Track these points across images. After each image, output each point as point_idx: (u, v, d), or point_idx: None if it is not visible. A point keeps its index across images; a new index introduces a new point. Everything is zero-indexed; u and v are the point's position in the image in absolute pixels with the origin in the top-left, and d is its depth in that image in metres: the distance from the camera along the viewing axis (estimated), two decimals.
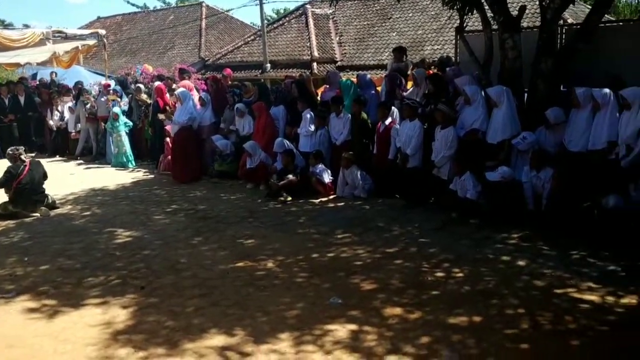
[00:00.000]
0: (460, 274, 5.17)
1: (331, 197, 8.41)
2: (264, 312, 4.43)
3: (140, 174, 11.21)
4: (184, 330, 4.18)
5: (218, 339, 4.01)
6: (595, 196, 6.11)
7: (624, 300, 4.52)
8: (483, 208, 6.83)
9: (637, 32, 7.85)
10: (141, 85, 12.99)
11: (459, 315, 4.28)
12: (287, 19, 23.83)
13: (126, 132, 12.04)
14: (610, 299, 4.54)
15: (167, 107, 11.31)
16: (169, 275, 5.36)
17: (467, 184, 6.90)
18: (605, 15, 8.84)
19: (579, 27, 7.65)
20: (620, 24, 10.80)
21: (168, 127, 10.71)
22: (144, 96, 12.31)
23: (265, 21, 23.26)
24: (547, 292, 4.70)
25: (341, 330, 4.07)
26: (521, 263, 5.40)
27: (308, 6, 22.87)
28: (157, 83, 12.34)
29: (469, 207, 6.87)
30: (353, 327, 4.12)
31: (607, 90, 6.47)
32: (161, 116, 11.22)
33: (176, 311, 4.52)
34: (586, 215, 6.09)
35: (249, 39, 23.51)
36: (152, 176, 10.97)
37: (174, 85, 11.58)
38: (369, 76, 10.11)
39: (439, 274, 5.19)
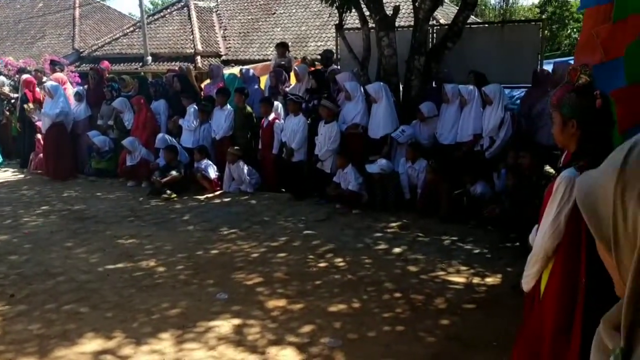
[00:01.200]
0: (343, 263, 5.37)
1: (217, 193, 8.33)
2: (146, 312, 4.31)
3: (7, 174, 10.35)
4: (59, 337, 3.95)
5: (95, 344, 3.83)
6: (464, 185, 6.60)
7: (489, 280, 4.94)
8: (365, 199, 7.16)
9: (498, 33, 8.55)
10: (3, 78, 11.96)
11: (341, 302, 4.45)
12: (168, 10, 23.04)
13: None
14: (476, 279, 4.95)
15: (37, 102, 10.52)
16: (42, 280, 5.02)
17: (350, 176, 7.16)
18: (473, 17, 9.56)
19: (447, 27, 8.17)
20: (486, 25, 11.65)
21: (39, 123, 9.98)
22: (5, 89, 11.36)
23: (146, 12, 22.33)
24: (421, 276, 5.02)
25: (225, 326, 4.06)
26: (398, 250, 5.71)
27: None
28: (25, 75, 11.42)
29: (351, 199, 7.14)
30: (237, 321, 4.13)
31: (471, 87, 7.01)
32: (30, 106, 10.37)
33: (50, 318, 4.25)
34: (457, 203, 6.57)
35: (127, 31, 22.42)
36: (22, 176, 10.18)
37: (44, 78, 10.78)
38: (252, 71, 10.08)
39: (323, 264, 5.35)
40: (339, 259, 5.47)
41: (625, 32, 2.57)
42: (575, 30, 24.02)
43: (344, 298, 4.52)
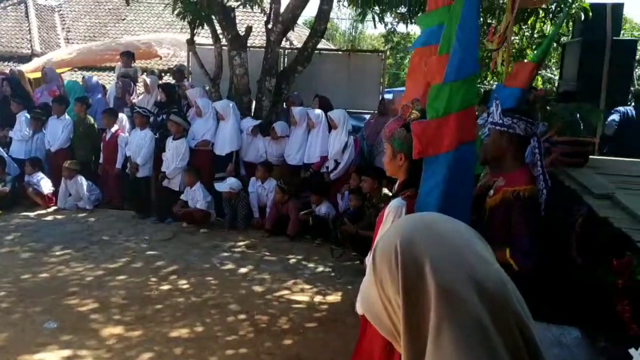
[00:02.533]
0: (187, 285, 5.23)
1: (51, 209, 7.67)
2: None
3: None
4: None
5: None
6: (310, 205, 6.81)
7: (330, 298, 5.13)
8: (213, 218, 7.08)
9: (345, 61, 9.01)
10: None
11: (183, 327, 4.32)
12: (2, 5, 20.92)
13: None
14: (318, 298, 5.11)
15: None
16: None
17: (198, 194, 7.03)
18: (325, 42, 9.94)
19: (298, 51, 8.42)
20: (334, 52, 12.21)
21: None
22: None
23: None
24: (266, 296, 5.06)
25: (52, 358, 3.74)
26: (245, 270, 5.71)
27: None
28: None
29: (199, 217, 7.00)
30: (67, 352, 3.82)
31: (319, 111, 7.30)
32: None
33: None
34: (304, 222, 6.75)
35: None
36: None
37: None
38: (95, 78, 9.52)
39: (165, 287, 5.16)
40: (184, 281, 5.32)
41: (440, 68, 2.85)
42: None
43: (186, 322, 4.40)
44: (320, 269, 5.89)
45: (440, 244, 0.85)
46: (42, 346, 3.88)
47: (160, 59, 12.01)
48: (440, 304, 0.80)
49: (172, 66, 10.62)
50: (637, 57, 8.45)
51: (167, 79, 11.03)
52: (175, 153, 7.30)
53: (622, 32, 8.18)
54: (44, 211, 7.58)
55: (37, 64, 11.01)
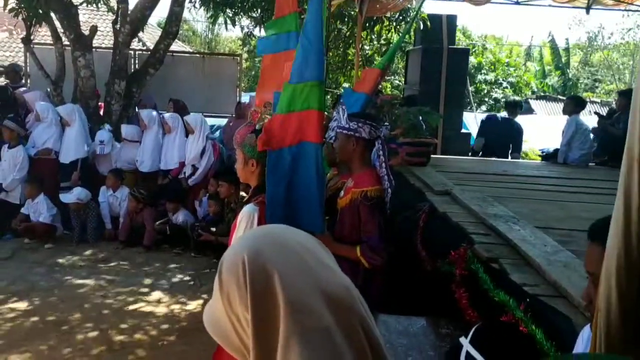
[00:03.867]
0: (31, 306, 4.80)
1: None
2: None
3: None
4: None
5: None
6: (166, 213, 6.59)
7: (190, 307, 5.00)
8: (60, 231, 6.57)
9: (200, 64, 8.85)
10: None
11: (25, 351, 3.95)
12: None
13: None
14: (177, 307, 4.96)
15: None
16: None
17: (41, 207, 6.46)
18: (181, 44, 9.67)
19: (149, 53, 8.11)
20: (189, 54, 11.95)
21: None
22: None
23: None
24: (121, 311, 4.80)
25: None
26: (97, 284, 5.36)
27: None
28: None
29: (43, 232, 6.44)
30: None
31: (175, 114, 7.08)
32: None
33: None
34: (160, 231, 6.50)
35: None
36: None
37: None
38: None
39: (5, 310, 4.67)
40: (26, 303, 4.86)
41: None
42: None
43: (29, 346, 4.03)
44: (179, 278, 5.71)
45: (286, 255, 0.85)
46: None
47: None
48: (290, 319, 0.79)
49: (4, 64, 9.60)
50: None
51: (3, 80, 9.99)
52: (12, 162, 6.63)
53: (456, 40, 9.00)
54: None
55: None
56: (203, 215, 6.59)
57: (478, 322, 1.91)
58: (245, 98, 8.77)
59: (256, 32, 10.18)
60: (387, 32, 8.95)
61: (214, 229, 6.08)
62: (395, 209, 3.44)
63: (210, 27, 25.82)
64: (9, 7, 7.20)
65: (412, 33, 8.72)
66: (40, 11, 7.01)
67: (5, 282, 5.31)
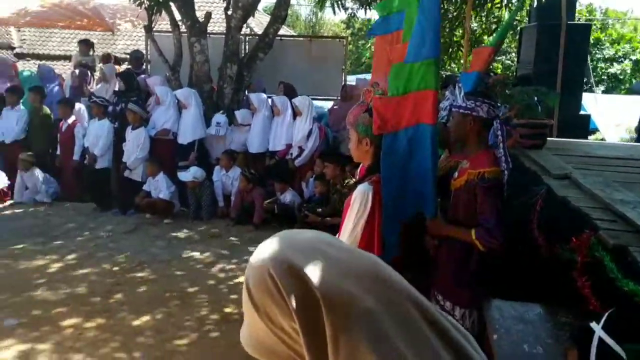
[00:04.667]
0: (152, 276, 5.16)
1: (7, 203, 7.42)
2: None
3: None
4: None
5: None
6: (275, 193, 6.79)
7: None
8: (177, 208, 6.99)
9: (307, 47, 8.97)
10: None
11: (151, 317, 4.26)
12: None
13: None
14: None
15: None
16: None
17: (161, 184, 6.91)
18: (286, 29, 9.88)
19: (258, 38, 8.33)
20: (294, 38, 12.14)
21: None
22: None
23: None
24: (233, 284, 5.04)
25: (12, 353, 3.63)
26: (210, 259, 5.66)
27: None
28: None
29: (162, 208, 6.89)
30: (24, 347, 3.72)
31: (284, 97, 7.25)
32: None
33: None
34: (269, 210, 6.72)
35: None
36: None
37: None
38: (51, 67, 9.22)
39: (130, 278, 5.07)
40: (148, 272, 5.24)
41: (404, 53, 2.89)
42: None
43: (151, 312, 4.35)
44: None
45: (305, 252, 0.81)
46: (0, 342, 3.77)
47: (113, 33, 11.48)
48: (331, 311, 0.76)
49: (128, 51, 10.29)
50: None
51: (126, 66, 10.72)
52: (134, 143, 7.15)
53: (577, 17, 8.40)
54: (0, 206, 7.34)
55: None
56: (309, 196, 6.73)
57: (608, 309, 1.80)
58: (350, 80, 8.78)
59: (360, 14, 10.14)
60: (497, 9, 8.54)
61: (320, 210, 6.19)
62: (509, 192, 3.30)
63: (314, 10, 26.07)
64: None
65: (525, 9, 8.27)
66: (161, 0, 7.42)
67: (129, 253, 5.75)
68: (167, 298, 4.65)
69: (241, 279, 5.12)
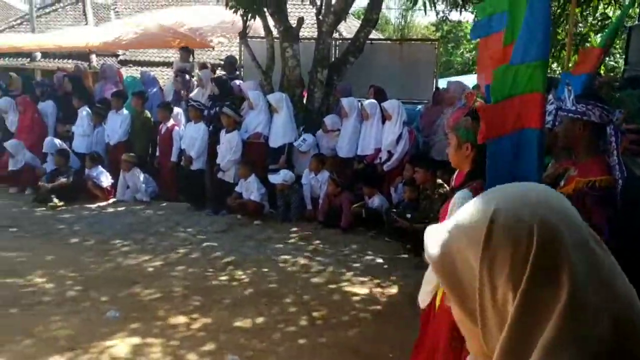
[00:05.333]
0: (244, 276, 5.28)
1: (110, 201, 7.91)
2: (30, 334, 3.96)
3: None
4: None
5: None
6: (363, 197, 6.76)
7: (386, 291, 5.08)
8: (267, 209, 7.14)
9: (397, 50, 8.89)
10: None
11: (243, 317, 4.36)
12: (61, 4, 21.68)
13: None
14: (375, 290, 5.07)
15: None
16: None
17: (252, 186, 7.08)
18: (375, 33, 9.86)
19: (349, 41, 8.36)
20: (385, 42, 12.08)
21: None
22: None
23: (36, 5, 20.87)
24: (323, 288, 5.06)
25: (122, 346, 3.84)
26: (300, 261, 5.72)
27: None
28: None
29: (253, 209, 7.06)
30: (135, 340, 3.92)
31: (374, 101, 7.21)
32: None
33: None
34: (356, 215, 6.71)
35: (14, 23, 20.80)
36: None
37: None
38: (152, 73, 9.75)
39: (224, 278, 5.23)
40: (240, 272, 5.38)
41: (506, 56, 2.77)
42: (467, 50, 25.51)
43: (246, 313, 4.44)
44: (375, 261, 5.84)
45: (570, 227, 0.74)
46: (111, 334, 3.99)
47: (213, 49, 12.04)
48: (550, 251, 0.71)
49: (223, 58, 10.70)
50: None
51: (221, 72, 11.13)
52: (228, 146, 7.38)
53: None
54: (104, 203, 7.82)
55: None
56: (398, 201, 6.64)
57: None
58: (442, 83, 8.60)
59: (453, 16, 9.89)
60: (605, 6, 8.03)
61: (409, 215, 6.09)
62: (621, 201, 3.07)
63: (404, 14, 25.84)
64: (229, 5, 7.95)
65: (634, 6, 7.71)
66: (255, 7, 7.63)
67: (222, 253, 5.92)
68: (260, 299, 4.74)
69: (332, 284, 5.12)
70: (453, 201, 2.54)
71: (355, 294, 4.95)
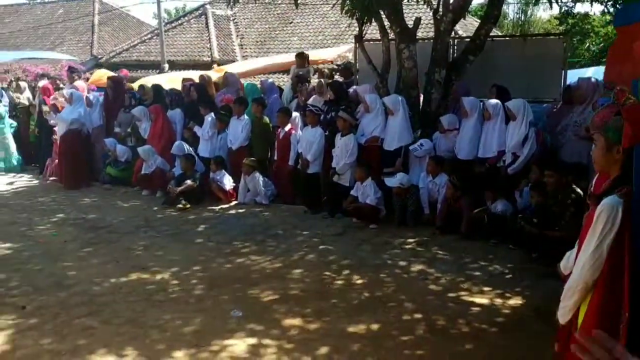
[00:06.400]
0: (360, 281, 5.22)
1: (232, 203, 8.23)
2: (159, 328, 4.20)
3: (24, 181, 10.36)
4: (70, 353, 3.85)
5: None
6: (485, 202, 6.43)
7: (511, 302, 4.76)
8: (383, 214, 7.03)
9: (520, 47, 8.39)
10: (25, 84, 12.04)
11: (359, 323, 4.30)
12: (186, 18, 23.17)
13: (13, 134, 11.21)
14: (499, 300, 4.77)
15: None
16: (55, 292, 4.94)
17: (369, 190, 7.01)
18: (494, 30, 9.40)
19: (469, 40, 8.03)
20: (507, 38, 11.49)
21: (56, 128, 9.97)
22: (27, 94, 11.47)
23: (163, 20, 22.48)
24: (442, 296, 4.86)
25: (240, 345, 3.94)
26: (418, 268, 5.55)
27: (208, 6, 22.38)
28: (42, 82, 11.48)
29: (369, 213, 6.99)
30: (253, 340, 4.00)
31: (497, 101, 6.85)
32: (45, 108, 10.46)
33: (61, 332, 4.15)
34: (477, 220, 6.39)
35: (145, 38, 22.58)
36: (38, 182, 10.18)
37: (61, 85, 10.82)
38: (271, 80, 10.04)
39: (340, 282, 5.20)
40: (357, 277, 5.32)
41: None
42: (594, 43, 23.71)
43: (361, 318, 4.38)
44: (498, 270, 5.51)
45: None
46: (231, 333, 4.11)
47: (332, 63, 12.30)
48: None
49: (339, 64, 10.80)
50: None
51: (338, 77, 11.25)
52: (344, 149, 7.37)
53: None
54: (226, 205, 8.15)
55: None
56: (524, 206, 6.23)
57: None
58: (571, 78, 7.98)
59: (577, 8, 9.16)
60: None
61: (536, 221, 5.69)
62: None
63: (523, 8, 24.56)
64: (344, 9, 7.95)
65: None
66: (372, 10, 7.56)
67: (338, 256, 5.91)
68: (377, 305, 4.65)
69: (452, 293, 4.90)
70: (600, 208, 2.28)
71: (476, 304, 4.69)
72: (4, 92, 11.92)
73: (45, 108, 10.47)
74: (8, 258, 5.90)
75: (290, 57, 11.14)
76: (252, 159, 8.16)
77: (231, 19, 22.20)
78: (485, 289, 5.01)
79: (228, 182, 8.29)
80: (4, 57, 16.08)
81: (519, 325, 4.34)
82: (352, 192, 7.22)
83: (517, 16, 27.26)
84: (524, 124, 6.44)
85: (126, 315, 4.43)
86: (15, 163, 11.10)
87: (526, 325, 4.32)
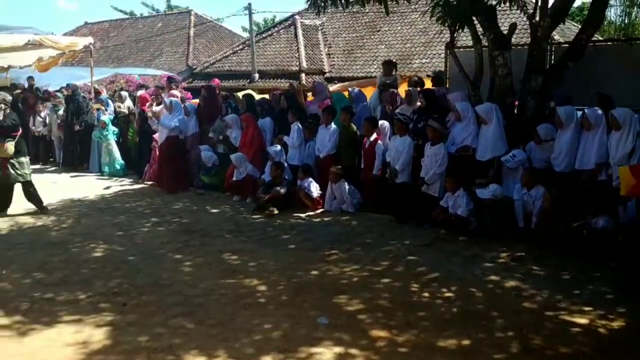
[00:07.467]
0: (449, 294, 5.08)
1: (319, 211, 8.30)
2: (248, 332, 4.29)
3: (124, 184, 11.02)
4: (165, 351, 4.02)
5: None
6: (585, 216, 6.06)
7: (614, 324, 4.45)
8: (473, 226, 6.81)
9: (625, 52, 7.87)
10: (126, 93, 12.83)
11: (448, 337, 4.18)
12: (276, 29, 23.77)
13: (115, 140, 12.00)
14: (600, 322, 4.47)
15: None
16: (152, 291, 5.19)
17: (461, 201, 6.81)
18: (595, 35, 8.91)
19: (568, 45, 7.63)
20: (609, 43, 10.83)
21: (156, 136, 10.54)
22: (127, 103, 12.25)
23: (254, 30, 23.20)
24: (538, 314, 4.62)
25: (327, 354, 3.93)
26: (511, 283, 5.32)
27: (297, 17, 22.83)
28: (140, 92, 12.22)
29: (459, 224, 6.80)
30: (339, 349, 3.99)
31: (598, 110, 6.44)
32: (149, 113, 11.12)
33: (158, 331, 4.35)
34: (576, 235, 6.03)
35: (237, 48, 23.39)
36: (136, 186, 10.79)
37: (162, 94, 11.43)
38: (358, 89, 10.06)
39: (427, 294, 5.09)
40: (445, 289, 5.18)
41: None
42: None
43: (450, 333, 4.25)
44: (599, 288, 5.17)
45: None
46: (317, 341, 4.12)
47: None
48: None
49: (424, 70, 10.64)
50: None
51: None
52: (433, 159, 7.23)
53: None
54: (312, 213, 8.24)
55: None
56: (629, 222, 5.81)
57: None
58: None
59: None
60: None
61: None
62: None
63: (627, 10, 23.06)
64: (435, 16, 7.81)
65: None
66: (465, 17, 7.38)
67: (426, 268, 5.78)
68: (467, 319, 4.50)
69: (549, 311, 4.65)
70: None
71: (575, 324, 4.42)
72: (110, 102, 12.76)
73: (149, 113, 11.11)
74: (109, 257, 6.28)
75: None
76: (339, 167, 8.20)
77: (319, 28, 22.51)
78: (586, 308, 4.71)
79: (315, 190, 8.37)
80: (106, 72, 17.43)
81: (621, 349, 4.06)
82: (441, 203, 7.05)
83: (620, 19, 25.58)
84: (630, 135, 6.00)
85: (218, 317, 4.58)
86: (119, 168, 11.84)
87: (630, 350, 4.02)
